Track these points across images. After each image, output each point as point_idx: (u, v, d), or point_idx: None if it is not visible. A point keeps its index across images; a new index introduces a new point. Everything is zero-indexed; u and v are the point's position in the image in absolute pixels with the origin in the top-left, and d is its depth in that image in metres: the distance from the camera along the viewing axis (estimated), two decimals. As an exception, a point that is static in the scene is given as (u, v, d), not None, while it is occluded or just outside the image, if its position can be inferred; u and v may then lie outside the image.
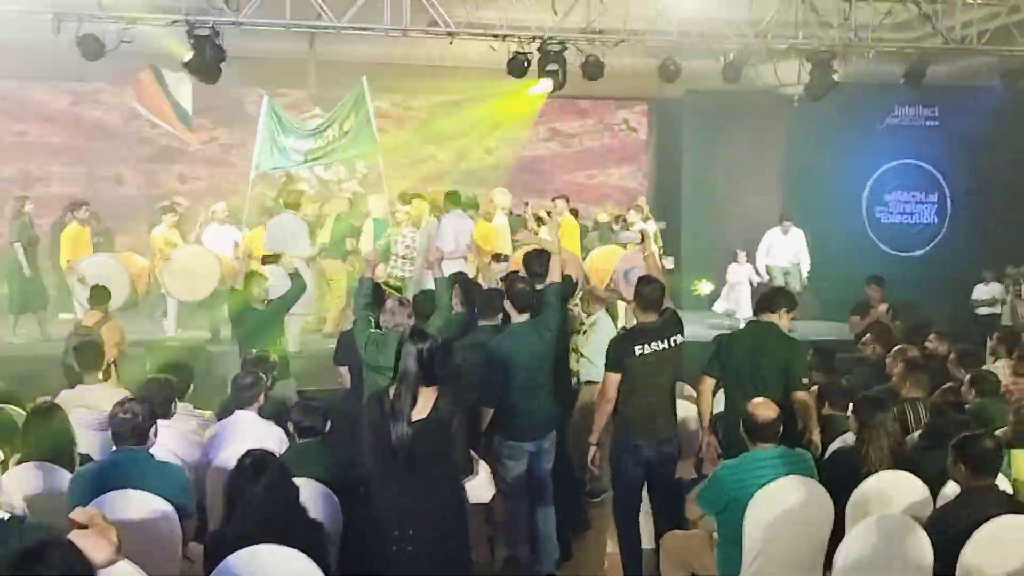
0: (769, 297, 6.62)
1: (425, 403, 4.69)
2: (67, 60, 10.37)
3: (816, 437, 6.03)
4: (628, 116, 17.92)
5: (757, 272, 13.62)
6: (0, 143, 15.24)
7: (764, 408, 5.15)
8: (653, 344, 6.04)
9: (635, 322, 6.53)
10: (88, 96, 15.67)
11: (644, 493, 6.27)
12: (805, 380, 6.28)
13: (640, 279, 6.38)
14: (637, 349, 6.02)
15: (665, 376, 6.18)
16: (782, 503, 4.92)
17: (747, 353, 6.27)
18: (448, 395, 4.74)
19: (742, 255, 13.66)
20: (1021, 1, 11.92)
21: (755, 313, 6.53)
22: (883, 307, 10.69)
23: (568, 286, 7.26)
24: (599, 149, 17.84)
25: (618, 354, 6.08)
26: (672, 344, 6.14)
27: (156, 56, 11.27)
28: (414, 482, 4.66)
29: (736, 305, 13.46)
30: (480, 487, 5.04)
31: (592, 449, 6.18)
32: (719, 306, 13.69)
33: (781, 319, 6.34)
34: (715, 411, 6.51)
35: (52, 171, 15.53)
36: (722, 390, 6.48)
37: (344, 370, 7.50)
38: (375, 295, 6.59)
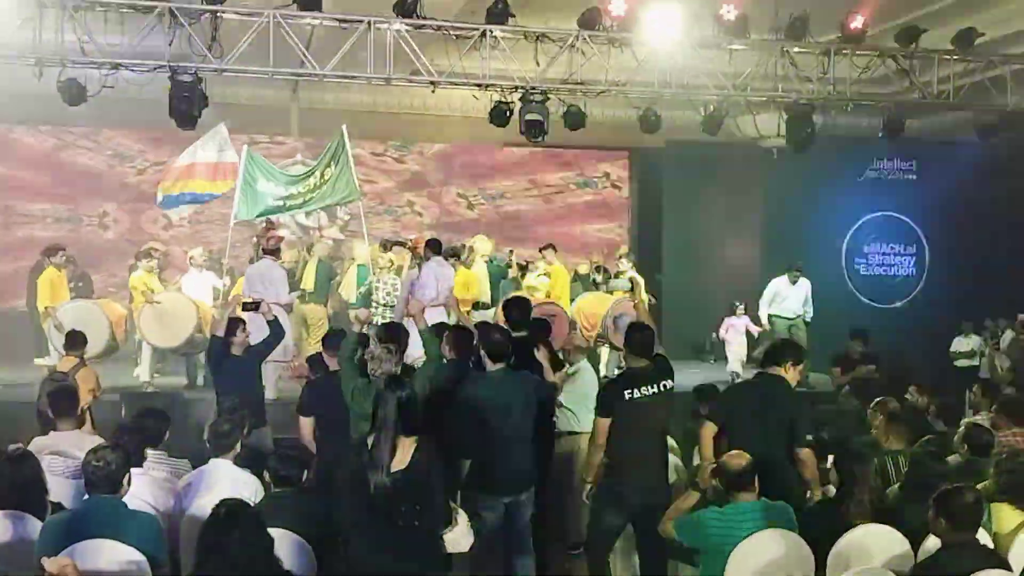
0: (778, 350, 6.54)
1: (404, 453, 4.63)
2: (50, 104, 10.38)
3: (818, 494, 5.99)
4: (609, 169, 18.04)
5: (758, 322, 13.32)
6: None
7: (737, 458, 5.21)
8: (643, 389, 6.06)
9: (625, 368, 6.57)
10: (73, 140, 15.67)
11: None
12: (809, 437, 6.26)
13: (631, 325, 6.46)
14: (627, 394, 6.05)
15: (655, 422, 6.19)
16: (764, 555, 4.92)
17: (754, 407, 6.21)
18: (427, 446, 4.69)
19: (740, 307, 13.37)
20: (997, 58, 12.15)
21: (762, 365, 6.48)
22: (869, 367, 10.64)
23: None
24: (581, 206, 17.92)
25: (609, 399, 6.12)
26: (663, 389, 6.15)
27: (137, 101, 11.27)
28: (392, 533, 4.58)
29: (734, 357, 13.20)
30: (459, 537, 4.97)
31: (586, 489, 6.21)
32: (733, 367, 13.10)
33: (788, 372, 6.26)
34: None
35: (34, 213, 15.49)
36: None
37: (307, 421, 7.13)
38: (362, 342, 6.53)
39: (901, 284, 15.82)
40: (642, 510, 6.03)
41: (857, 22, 11.42)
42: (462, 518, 5.05)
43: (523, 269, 13.09)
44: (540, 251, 12.79)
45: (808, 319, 13.11)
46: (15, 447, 5.64)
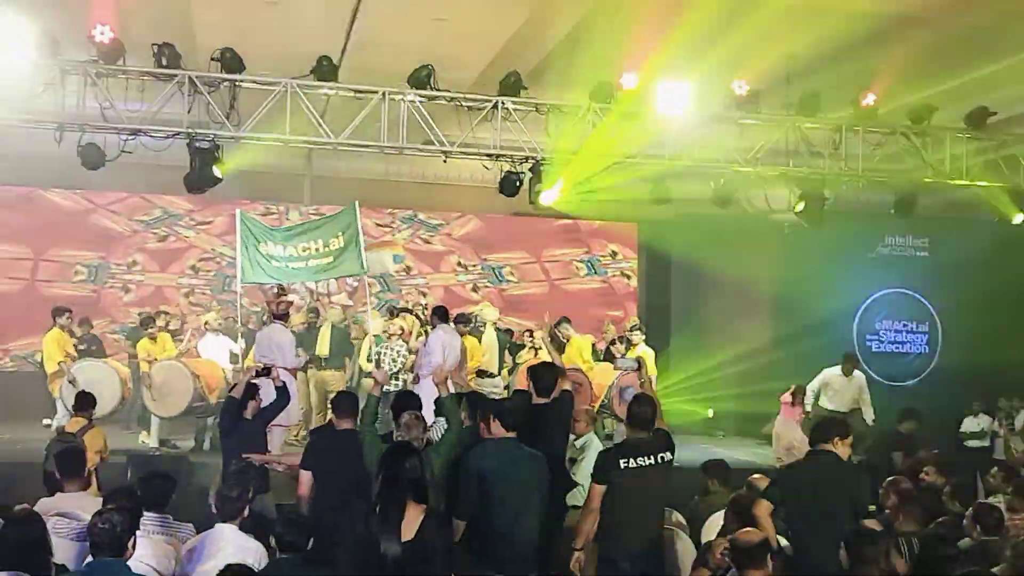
0: (823, 428, 6.52)
1: (412, 521, 4.59)
2: (70, 168, 10.51)
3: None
4: (618, 248, 17.87)
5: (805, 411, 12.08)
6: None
7: (749, 534, 5.14)
8: (640, 459, 6.08)
9: (625, 438, 6.57)
10: (103, 203, 15.79)
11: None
12: (872, 507, 6.27)
13: (634, 398, 6.47)
14: (623, 462, 6.07)
15: (651, 492, 6.19)
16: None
17: (812, 486, 6.18)
18: (435, 515, 4.65)
19: (786, 395, 11.96)
20: (1008, 137, 12.22)
21: (811, 444, 6.47)
22: (933, 451, 9.87)
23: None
24: (588, 293, 17.65)
25: (604, 466, 6.15)
26: (660, 460, 6.16)
27: (155, 167, 11.39)
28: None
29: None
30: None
31: (575, 555, 6.10)
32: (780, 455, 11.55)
33: (838, 447, 6.24)
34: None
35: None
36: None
37: (307, 475, 7.03)
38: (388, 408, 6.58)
39: (913, 362, 15.68)
40: (631, 572, 6.02)
41: (869, 99, 11.53)
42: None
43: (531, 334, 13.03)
44: (555, 327, 12.68)
45: (869, 420, 12.20)
46: (21, 507, 5.60)
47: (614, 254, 17.99)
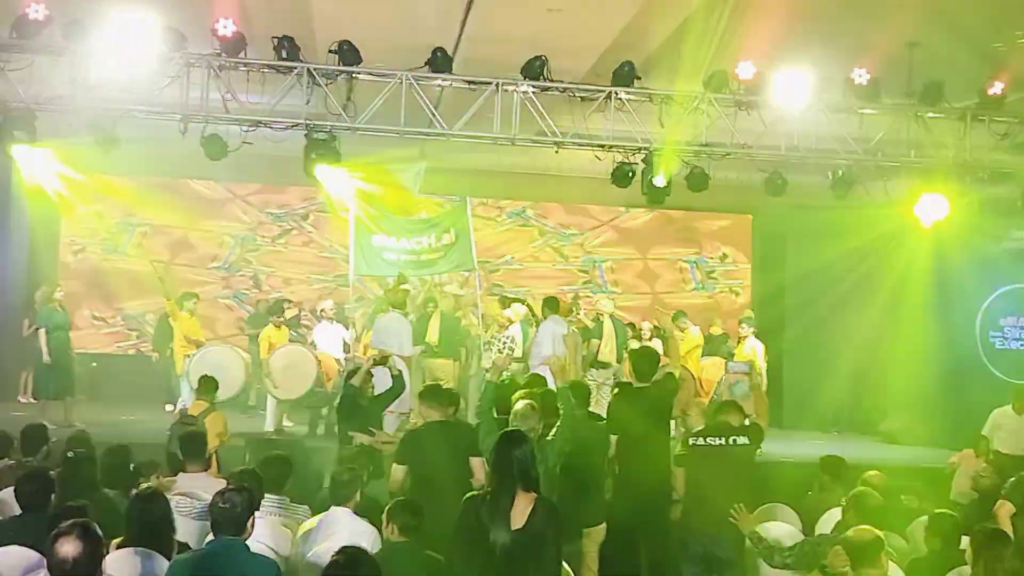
0: None
1: (523, 510, 4.62)
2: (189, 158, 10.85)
3: None
4: (728, 251, 17.50)
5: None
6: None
7: (864, 531, 5.04)
8: (710, 439, 6.50)
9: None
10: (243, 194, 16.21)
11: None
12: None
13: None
14: (692, 440, 6.60)
15: (722, 473, 6.43)
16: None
17: None
18: (546, 503, 4.67)
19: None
20: None
21: None
22: None
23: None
24: (699, 307, 16.87)
25: (681, 448, 6.68)
26: (731, 442, 6.50)
27: (273, 158, 11.66)
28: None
29: None
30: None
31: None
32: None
33: None
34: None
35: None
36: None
37: (402, 469, 6.91)
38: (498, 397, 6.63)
39: (1038, 360, 15.01)
40: (705, 562, 6.39)
41: (996, 88, 11.09)
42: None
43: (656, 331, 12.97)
44: (672, 320, 12.55)
45: None
46: (147, 486, 5.83)
47: (724, 257, 17.55)
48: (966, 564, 5.58)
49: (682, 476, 6.56)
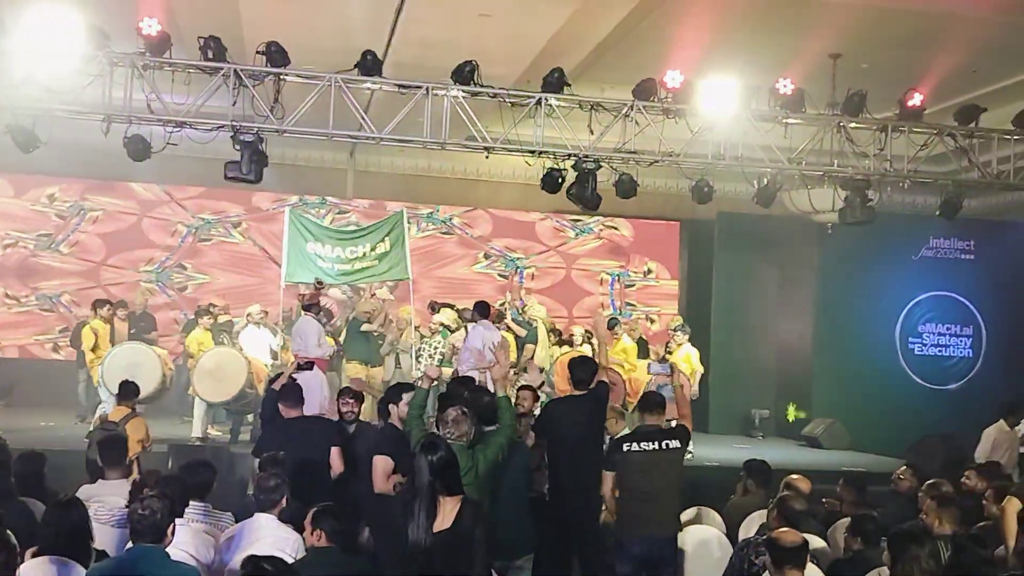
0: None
1: (447, 513, 4.62)
2: (113, 160, 10.64)
3: None
4: (654, 267, 17.47)
5: None
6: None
7: (789, 534, 5.14)
8: (643, 444, 6.48)
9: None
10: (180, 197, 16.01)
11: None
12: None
13: (645, 393, 7.37)
14: (625, 446, 6.54)
15: (657, 476, 6.47)
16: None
17: None
18: (472, 504, 4.68)
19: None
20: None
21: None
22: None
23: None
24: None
25: (611, 454, 6.66)
26: (664, 447, 6.52)
27: (199, 160, 11.50)
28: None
29: None
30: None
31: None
32: None
33: None
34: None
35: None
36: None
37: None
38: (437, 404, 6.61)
39: (956, 366, 15.40)
40: (645, 562, 6.42)
41: (915, 100, 11.36)
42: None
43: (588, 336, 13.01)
44: (609, 328, 12.61)
45: None
46: (64, 494, 5.69)
47: (648, 272, 17.48)
48: (884, 565, 5.70)
49: (611, 480, 6.58)
